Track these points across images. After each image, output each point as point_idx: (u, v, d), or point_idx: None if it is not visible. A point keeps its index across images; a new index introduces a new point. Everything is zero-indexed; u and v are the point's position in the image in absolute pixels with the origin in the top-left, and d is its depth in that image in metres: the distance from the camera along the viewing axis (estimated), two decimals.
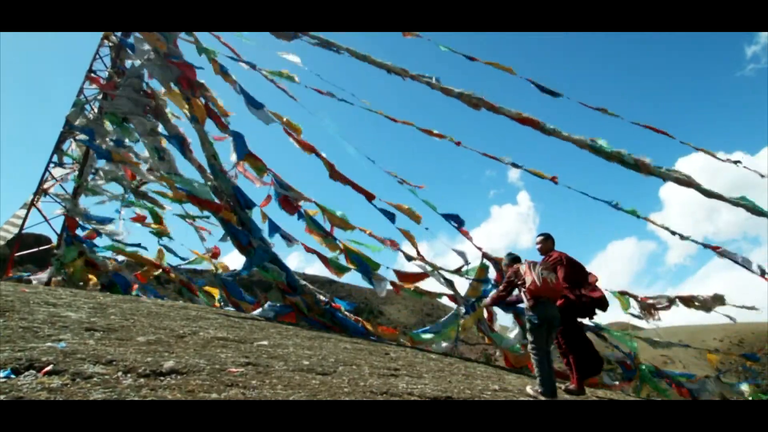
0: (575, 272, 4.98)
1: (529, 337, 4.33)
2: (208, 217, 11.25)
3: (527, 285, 4.28)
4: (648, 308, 8.40)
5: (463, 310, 9.03)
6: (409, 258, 9.61)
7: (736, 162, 7.67)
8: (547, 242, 5.17)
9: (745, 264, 7.57)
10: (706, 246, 8.01)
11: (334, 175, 9.72)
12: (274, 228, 9.51)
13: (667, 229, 8.18)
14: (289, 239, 9.58)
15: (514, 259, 4.85)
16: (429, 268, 9.55)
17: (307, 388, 2.92)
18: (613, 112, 8.55)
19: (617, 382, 8.54)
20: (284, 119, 9.98)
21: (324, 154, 9.91)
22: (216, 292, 11.41)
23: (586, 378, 4.81)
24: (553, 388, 4.11)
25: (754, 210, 7.19)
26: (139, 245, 11.05)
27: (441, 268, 9.49)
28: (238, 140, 9.57)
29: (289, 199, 9.63)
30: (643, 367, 8.66)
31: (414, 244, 9.61)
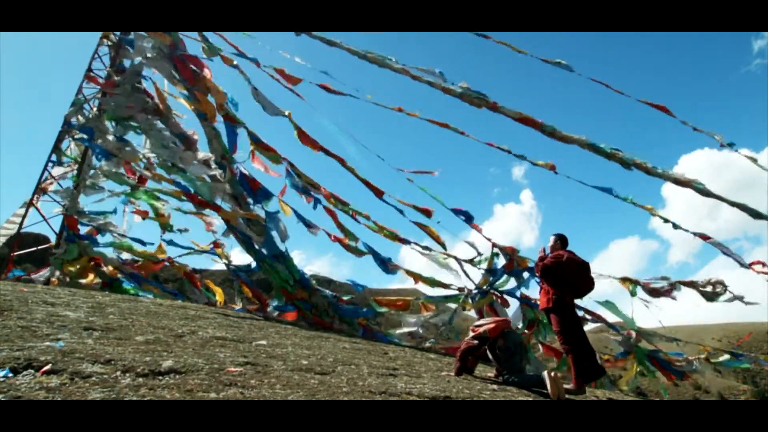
0: (575, 272, 5.01)
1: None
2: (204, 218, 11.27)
3: (489, 331, 4.78)
4: (651, 292, 8.57)
5: (474, 292, 9.38)
6: (425, 248, 9.90)
7: (730, 145, 7.66)
8: (556, 243, 5.26)
9: (733, 255, 7.81)
10: (696, 234, 8.28)
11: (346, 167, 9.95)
12: (298, 217, 9.84)
13: (659, 216, 8.45)
14: (311, 226, 9.86)
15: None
16: (442, 258, 9.80)
17: (305, 388, 2.92)
18: (619, 90, 8.62)
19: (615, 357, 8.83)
20: (296, 128, 10.09)
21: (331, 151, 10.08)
22: (219, 291, 11.37)
23: (586, 381, 4.80)
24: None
25: (752, 212, 7.25)
26: (140, 241, 10.98)
27: (455, 257, 9.79)
28: (231, 133, 9.69)
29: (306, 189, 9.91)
30: (638, 347, 8.87)
31: (432, 233, 9.87)
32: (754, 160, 7.48)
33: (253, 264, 9.79)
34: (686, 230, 8.31)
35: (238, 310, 9.77)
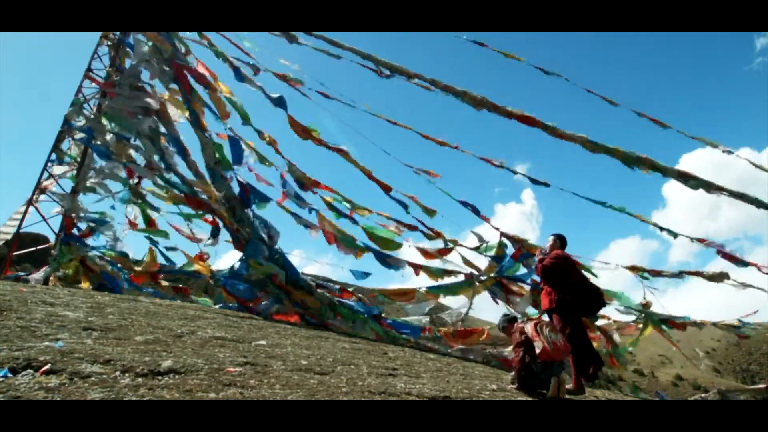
0: (573, 272, 5.09)
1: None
2: (203, 214, 11.22)
3: (538, 351, 4.14)
4: (658, 275, 8.75)
5: (480, 278, 9.44)
6: (430, 237, 9.95)
7: (729, 152, 7.71)
8: (555, 243, 5.26)
9: (731, 255, 7.86)
10: (692, 239, 8.36)
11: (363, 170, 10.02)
12: (296, 217, 9.88)
13: (655, 225, 8.55)
14: (309, 227, 9.91)
15: (511, 319, 4.77)
16: (449, 246, 9.88)
17: (305, 388, 2.92)
18: (613, 100, 8.62)
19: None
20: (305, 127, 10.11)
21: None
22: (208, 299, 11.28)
23: (587, 376, 4.80)
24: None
25: (755, 202, 7.28)
26: (126, 255, 10.93)
27: (461, 245, 9.87)
28: (235, 146, 9.71)
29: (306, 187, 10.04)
30: (650, 313, 9.02)
31: (432, 230, 9.98)
32: (757, 165, 7.49)
33: (237, 265, 9.62)
34: (686, 236, 8.34)
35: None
